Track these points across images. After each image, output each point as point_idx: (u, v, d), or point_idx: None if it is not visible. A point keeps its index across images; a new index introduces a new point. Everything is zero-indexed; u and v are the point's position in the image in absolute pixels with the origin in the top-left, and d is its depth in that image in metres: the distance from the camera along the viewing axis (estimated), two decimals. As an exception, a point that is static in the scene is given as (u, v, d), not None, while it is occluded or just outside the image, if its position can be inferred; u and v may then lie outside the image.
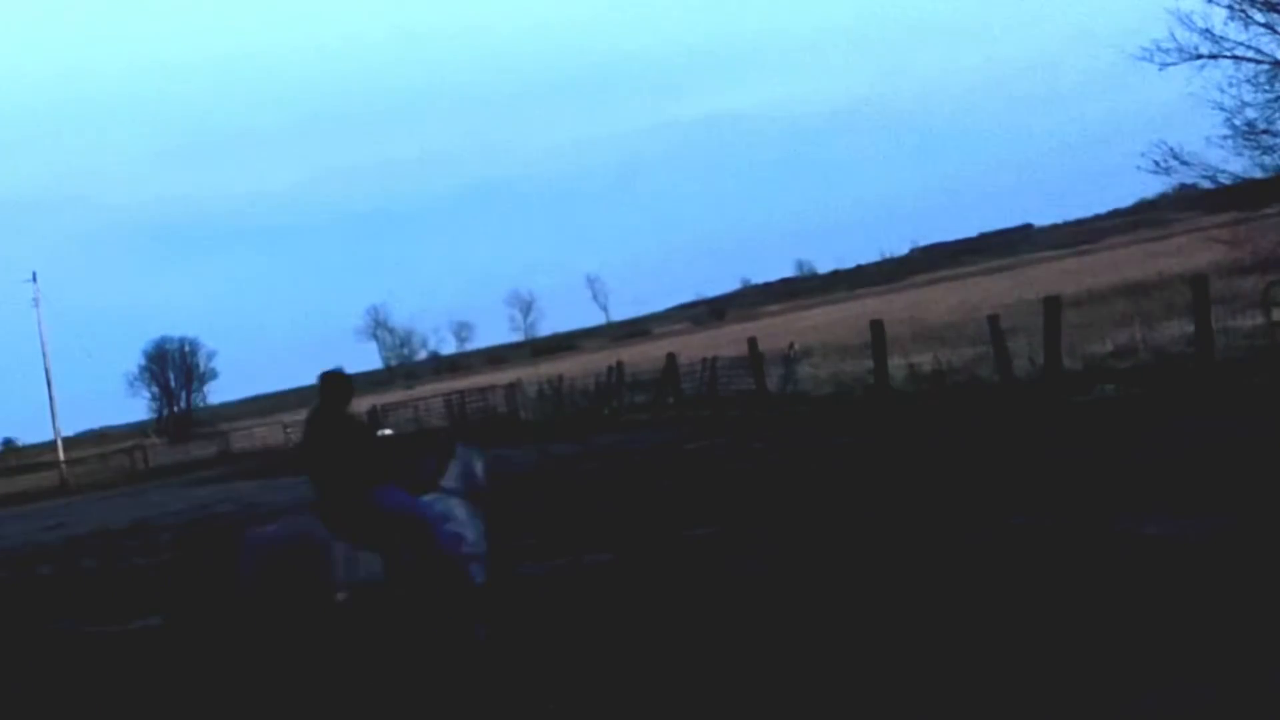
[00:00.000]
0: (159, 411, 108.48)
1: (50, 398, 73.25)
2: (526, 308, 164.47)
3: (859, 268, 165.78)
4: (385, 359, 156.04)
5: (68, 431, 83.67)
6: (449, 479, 7.81)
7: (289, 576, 6.91)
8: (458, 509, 7.66)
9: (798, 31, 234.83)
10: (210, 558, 7.25)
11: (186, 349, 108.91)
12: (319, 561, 6.96)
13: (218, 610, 7.13)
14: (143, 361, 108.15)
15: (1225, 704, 5.11)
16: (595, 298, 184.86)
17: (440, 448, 8.14)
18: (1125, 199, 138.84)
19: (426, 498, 7.68)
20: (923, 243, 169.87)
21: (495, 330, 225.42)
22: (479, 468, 7.95)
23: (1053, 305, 20.12)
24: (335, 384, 7.90)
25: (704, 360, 34.32)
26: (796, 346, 33.27)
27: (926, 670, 6.09)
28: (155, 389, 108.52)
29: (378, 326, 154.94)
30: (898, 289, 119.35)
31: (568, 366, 60.32)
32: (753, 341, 30.67)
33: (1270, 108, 20.79)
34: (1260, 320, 18.79)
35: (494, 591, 7.77)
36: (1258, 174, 21.24)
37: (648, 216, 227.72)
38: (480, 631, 7.51)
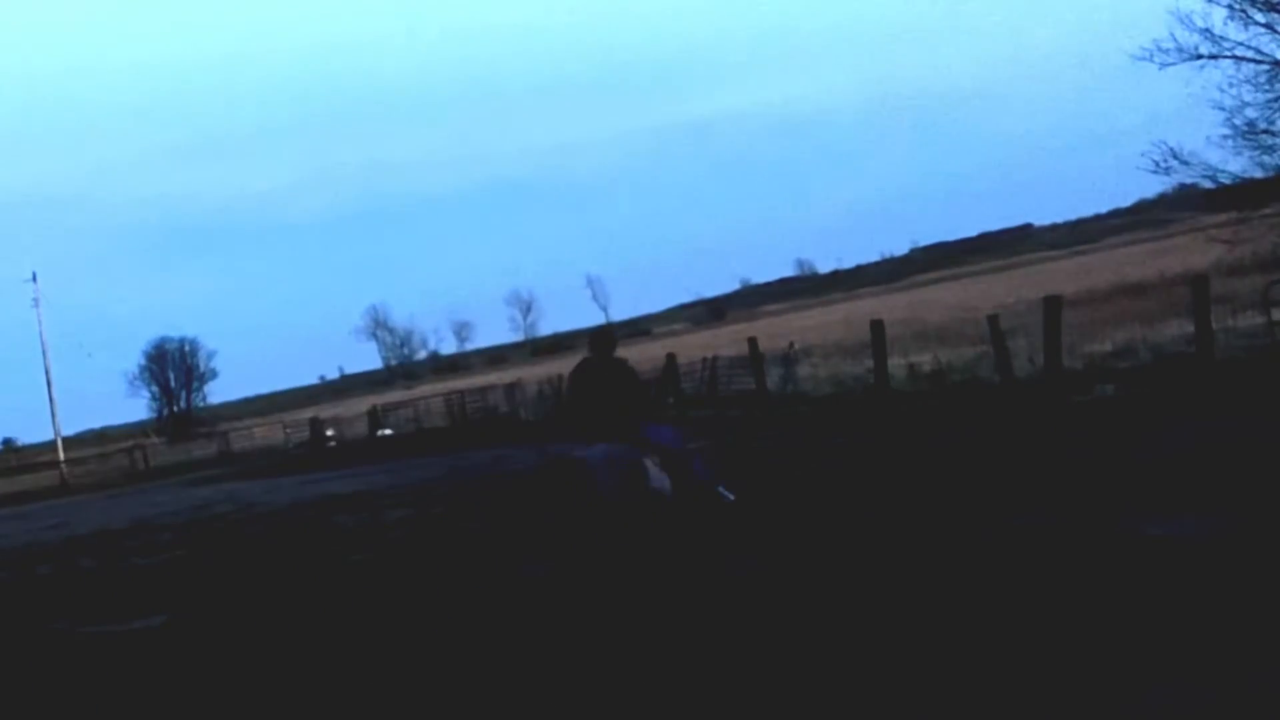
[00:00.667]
0: (159, 411, 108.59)
1: (50, 398, 73.44)
2: (526, 308, 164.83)
3: (859, 268, 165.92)
4: (385, 359, 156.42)
5: (68, 431, 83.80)
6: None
7: (631, 483, 8.96)
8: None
9: (798, 31, 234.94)
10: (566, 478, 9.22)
11: (186, 349, 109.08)
12: (643, 472, 9.04)
13: (585, 514, 9.08)
14: (143, 361, 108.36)
15: (1226, 704, 5.11)
16: (595, 298, 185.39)
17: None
18: (1125, 199, 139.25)
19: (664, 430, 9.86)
20: (923, 243, 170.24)
21: (495, 330, 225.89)
22: None
23: (1053, 305, 20.11)
24: (606, 336, 10.28)
25: (704, 360, 34.34)
26: (796, 346, 33.29)
27: (927, 669, 6.10)
28: (155, 389, 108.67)
29: (378, 326, 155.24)
30: (898, 289, 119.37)
31: (568, 366, 60.30)
32: (753, 341, 30.67)
33: (1270, 108, 20.83)
34: (1260, 320, 18.79)
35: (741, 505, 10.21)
36: (1258, 174, 21.29)
37: (648, 216, 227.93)
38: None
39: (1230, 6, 20.53)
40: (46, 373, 72.51)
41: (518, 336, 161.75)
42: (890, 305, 66.72)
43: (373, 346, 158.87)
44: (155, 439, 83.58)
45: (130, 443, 77.68)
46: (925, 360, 26.35)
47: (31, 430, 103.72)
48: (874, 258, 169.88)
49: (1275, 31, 20.61)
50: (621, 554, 8.87)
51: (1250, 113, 20.77)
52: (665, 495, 9.18)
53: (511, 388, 49.93)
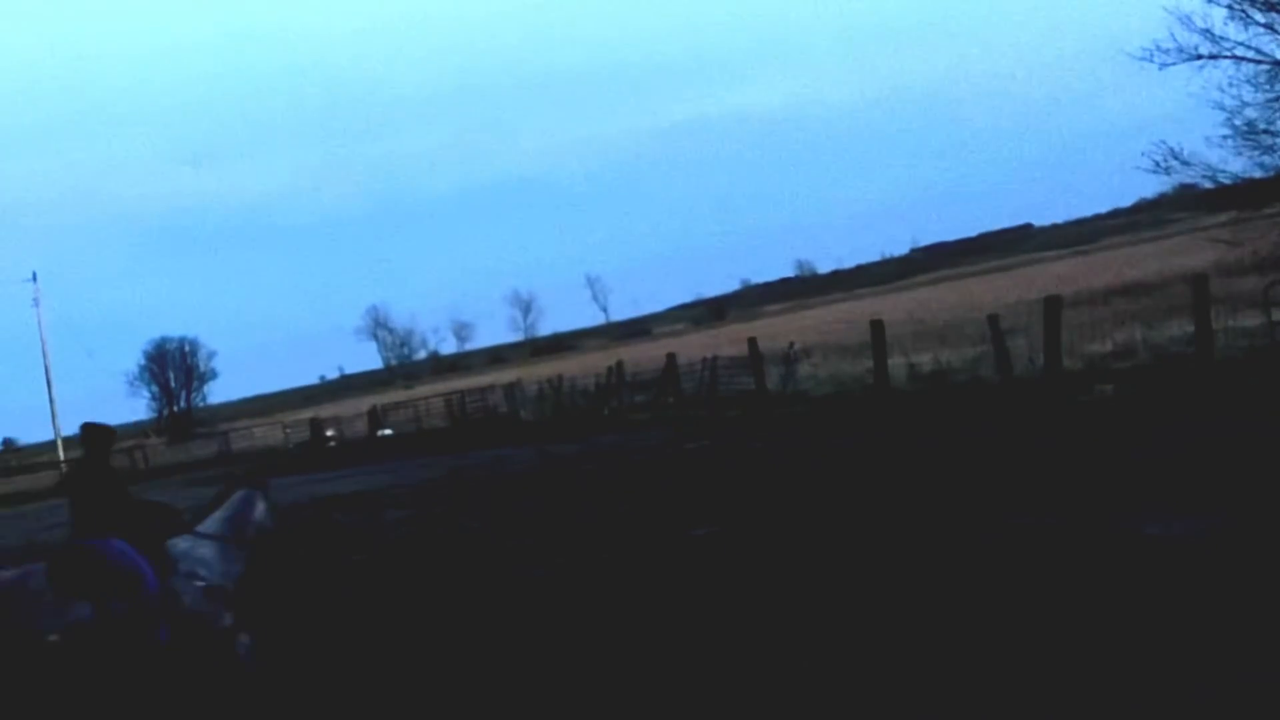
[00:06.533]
0: (159, 411, 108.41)
1: (50, 398, 73.26)
2: (526, 308, 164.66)
3: (859, 268, 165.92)
4: (385, 359, 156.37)
5: (68, 431, 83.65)
6: (209, 524, 7.80)
7: (3, 621, 7.19)
8: (206, 551, 7.67)
9: (798, 32, 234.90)
10: None
11: (186, 349, 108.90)
12: (29, 608, 7.20)
13: None
14: (143, 361, 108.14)
15: (1226, 704, 5.11)
16: (595, 298, 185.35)
17: (219, 493, 8.13)
18: (1125, 199, 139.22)
19: (175, 541, 7.65)
20: (923, 243, 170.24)
21: (495, 330, 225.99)
22: (259, 510, 8.06)
23: (1053, 305, 20.09)
24: (98, 435, 8.09)
25: (704, 360, 34.30)
26: (796, 346, 33.27)
27: (926, 669, 6.09)
28: (155, 389, 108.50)
29: (378, 326, 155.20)
30: (898, 289, 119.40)
31: (568, 366, 60.28)
32: (753, 341, 30.65)
33: (1270, 108, 20.79)
34: (1260, 320, 18.79)
35: (240, 631, 7.69)
36: (1258, 174, 21.23)
37: (648, 216, 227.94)
38: (245, 661, 7.63)
39: (1230, 6, 20.51)
40: (46, 373, 72.39)
41: (518, 336, 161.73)
42: (890, 305, 66.68)
43: (373, 346, 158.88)
44: (155, 439, 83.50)
45: (130, 443, 77.63)
46: (925, 360, 26.34)
47: (31, 430, 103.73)
48: (874, 258, 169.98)
49: (1275, 31, 20.58)
50: None
51: (1250, 113, 20.75)
52: (81, 624, 7.24)
53: (511, 388, 49.92)
